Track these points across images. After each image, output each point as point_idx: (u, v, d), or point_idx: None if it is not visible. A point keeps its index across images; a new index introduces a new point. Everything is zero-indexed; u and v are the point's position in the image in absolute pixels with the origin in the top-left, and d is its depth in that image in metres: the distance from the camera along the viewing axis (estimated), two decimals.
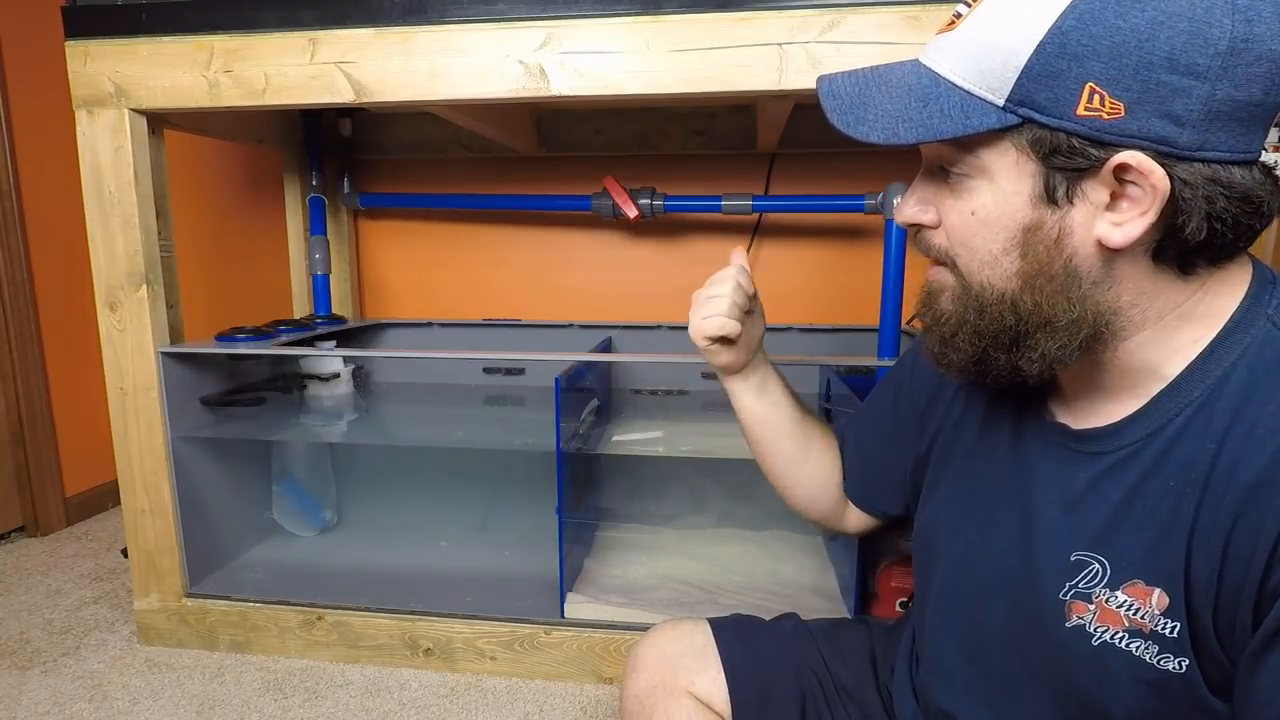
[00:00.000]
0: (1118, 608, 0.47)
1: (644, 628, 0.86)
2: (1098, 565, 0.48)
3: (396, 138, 1.70)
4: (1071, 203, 0.44)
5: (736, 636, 0.72)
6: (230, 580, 1.32)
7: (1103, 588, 0.47)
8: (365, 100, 1.05)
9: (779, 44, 0.96)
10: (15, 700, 1.13)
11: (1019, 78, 0.43)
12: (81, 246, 1.16)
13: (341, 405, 1.51)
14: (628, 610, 1.19)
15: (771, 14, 0.96)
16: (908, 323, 1.40)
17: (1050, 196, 0.44)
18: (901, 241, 1.23)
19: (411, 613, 1.21)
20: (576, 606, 1.20)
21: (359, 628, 1.22)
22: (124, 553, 1.48)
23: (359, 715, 1.10)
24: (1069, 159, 0.43)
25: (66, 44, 1.09)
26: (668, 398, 1.64)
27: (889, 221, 1.24)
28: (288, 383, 1.53)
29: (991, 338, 0.49)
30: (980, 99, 0.44)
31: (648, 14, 0.98)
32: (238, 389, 1.40)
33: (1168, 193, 0.42)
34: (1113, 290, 0.46)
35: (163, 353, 1.18)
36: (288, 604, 1.24)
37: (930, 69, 0.47)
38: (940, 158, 0.49)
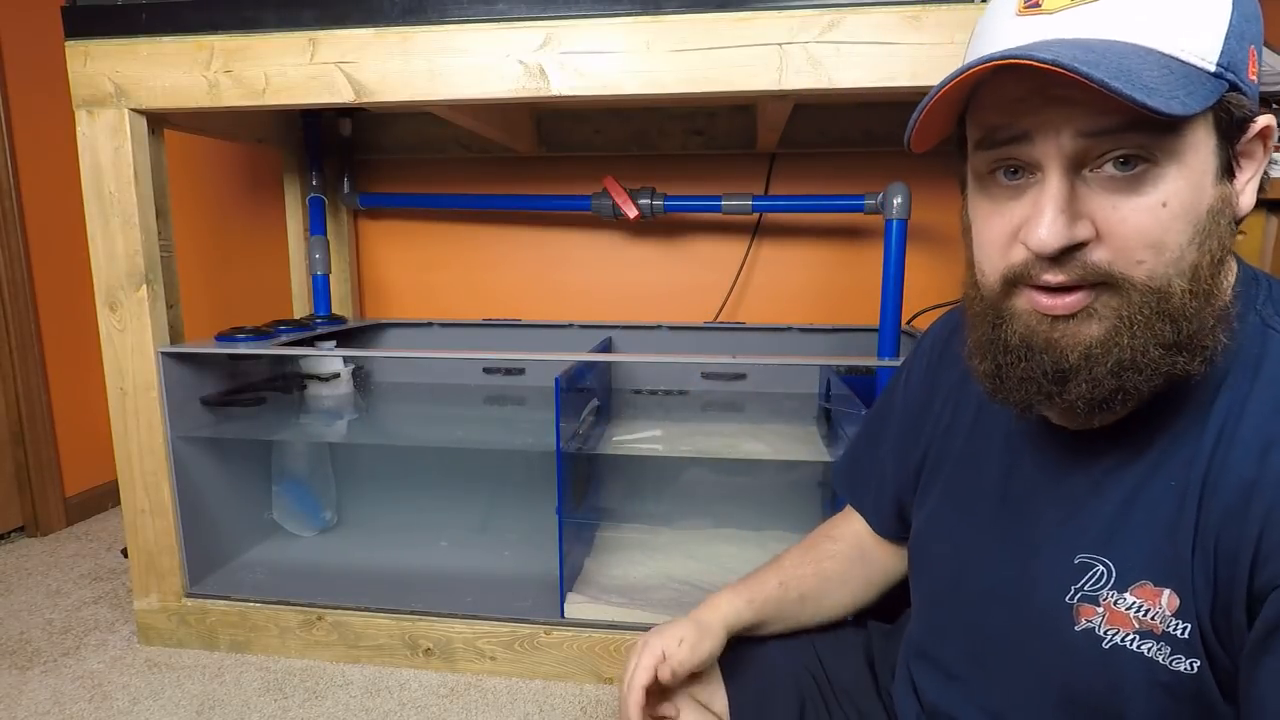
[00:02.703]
0: (1127, 609, 0.46)
1: (644, 628, 0.86)
2: (1103, 567, 0.47)
3: (396, 138, 1.70)
4: (1235, 175, 0.43)
5: (736, 639, 0.72)
6: (230, 580, 1.32)
7: (1110, 590, 0.47)
8: (365, 100, 1.05)
9: (779, 44, 0.96)
10: (15, 700, 1.13)
11: (1226, 38, 0.40)
12: (81, 246, 1.16)
13: (341, 405, 1.51)
14: (628, 610, 1.19)
15: (771, 14, 0.95)
16: (908, 322, 1.40)
17: (1229, 169, 0.42)
18: (902, 241, 1.23)
19: (411, 613, 1.21)
20: (576, 606, 1.20)
21: (359, 628, 1.22)
22: (124, 553, 1.48)
23: (359, 715, 1.10)
24: (1242, 128, 0.42)
25: (66, 44, 1.09)
26: (668, 398, 1.64)
27: (889, 221, 1.23)
28: (288, 383, 1.53)
29: (1182, 345, 0.42)
30: (1194, 66, 0.40)
31: (648, 14, 0.98)
32: (238, 389, 1.40)
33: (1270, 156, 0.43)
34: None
35: (163, 353, 1.18)
36: (288, 604, 1.24)
37: (1120, 40, 0.40)
38: (1108, 149, 0.41)
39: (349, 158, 1.72)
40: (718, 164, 1.67)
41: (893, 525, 0.71)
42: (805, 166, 1.64)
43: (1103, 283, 0.42)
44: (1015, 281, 0.45)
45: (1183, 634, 0.44)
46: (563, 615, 1.19)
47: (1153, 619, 0.45)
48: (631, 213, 1.55)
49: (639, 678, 0.61)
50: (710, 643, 0.64)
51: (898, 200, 1.23)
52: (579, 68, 1.01)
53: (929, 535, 0.63)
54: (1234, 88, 0.40)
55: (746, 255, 1.70)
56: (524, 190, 1.74)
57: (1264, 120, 0.42)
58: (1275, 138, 0.43)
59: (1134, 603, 0.46)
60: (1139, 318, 0.42)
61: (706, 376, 1.64)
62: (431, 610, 1.21)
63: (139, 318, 1.16)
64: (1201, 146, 0.41)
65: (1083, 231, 0.42)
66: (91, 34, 1.09)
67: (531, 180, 1.74)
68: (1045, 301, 0.44)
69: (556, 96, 1.02)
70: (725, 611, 0.66)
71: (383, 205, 1.77)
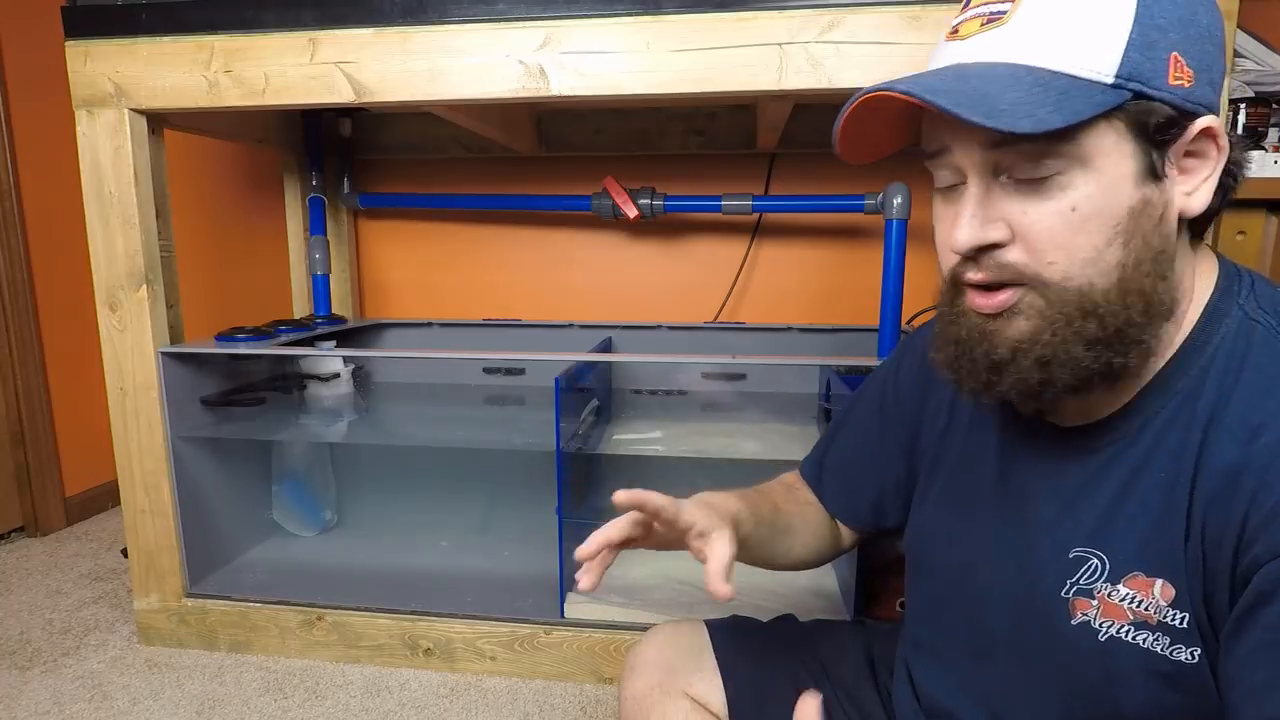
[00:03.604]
0: (1120, 601, 0.47)
1: (644, 628, 0.86)
2: (1097, 560, 0.48)
3: (396, 138, 1.70)
4: (1165, 176, 0.45)
5: (733, 638, 0.72)
6: (230, 580, 1.32)
7: (1104, 582, 0.47)
8: (365, 100, 1.05)
9: (779, 44, 0.96)
10: (15, 700, 1.13)
11: (1125, 51, 0.42)
12: (81, 246, 1.16)
13: (341, 405, 1.50)
14: (628, 610, 1.19)
15: (771, 14, 0.96)
16: (908, 322, 1.40)
17: (1153, 172, 0.44)
18: (902, 241, 1.23)
19: (411, 613, 1.21)
20: (576, 606, 1.20)
21: (359, 628, 1.22)
22: (124, 553, 1.48)
23: (359, 715, 1.10)
24: (1168, 130, 0.43)
25: (66, 44, 1.09)
26: (668, 398, 1.64)
27: (889, 221, 1.24)
28: (288, 383, 1.53)
29: (1107, 341, 0.45)
30: (1086, 80, 0.42)
31: (648, 14, 0.98)
32: (238, 389, 1.40)
33: (1227, 155, 0.45)
34: (1176, 267, 0.47)
35: (163, 353, 1.18)
36: (288, 604, 1.24)
37: (1007, 63, 0.44)
38: (1013, 160, 0.44)
39: (349, 158, 1.72)
40: (718, 164, 1.67)
41: (864, 517, 0.73)
42: (805, 166, 1.64)
43: (1025, 283, 0.45)
44: (955, 281, 0.49)
45: (1181, 624, 0.45)
46: (563, 615, 1.19)
47: (1146, 609, 0.46)
48: (631, 213, 1.55)
49: (615, 527, 0.63)
50: (719, 514, 0.62)
51: (898, 200, 1.23)
52: (579, 68, 1.01)
53: (928, 535, 0.63)
54: (1141, 96, 0.42)
55: (746, 255, 1.70)
56: (524, 190, 1.74)
57: (1203, 122, 0.44)
58: (1225, 136, 0.44)
59: (1127, 594, 0.46)
60: (1059, 316, 0.45)
61: (706, 376, 1.63)
62: (431, 610, 1.21)
63: (139, 318, 1.16)
64: (1112, 151, 0.43)
65: (995, 233, 0.45)
66: (91, 34, 1.09)
67: (531, 180, 1.74)
68: (978, 300, 0.47)
69: (556, 96, 1.02)
70: (733, 507, 0.65)
71: (383, 205, 1.77)
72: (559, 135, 1.65)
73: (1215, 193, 0.45)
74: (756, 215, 1.65)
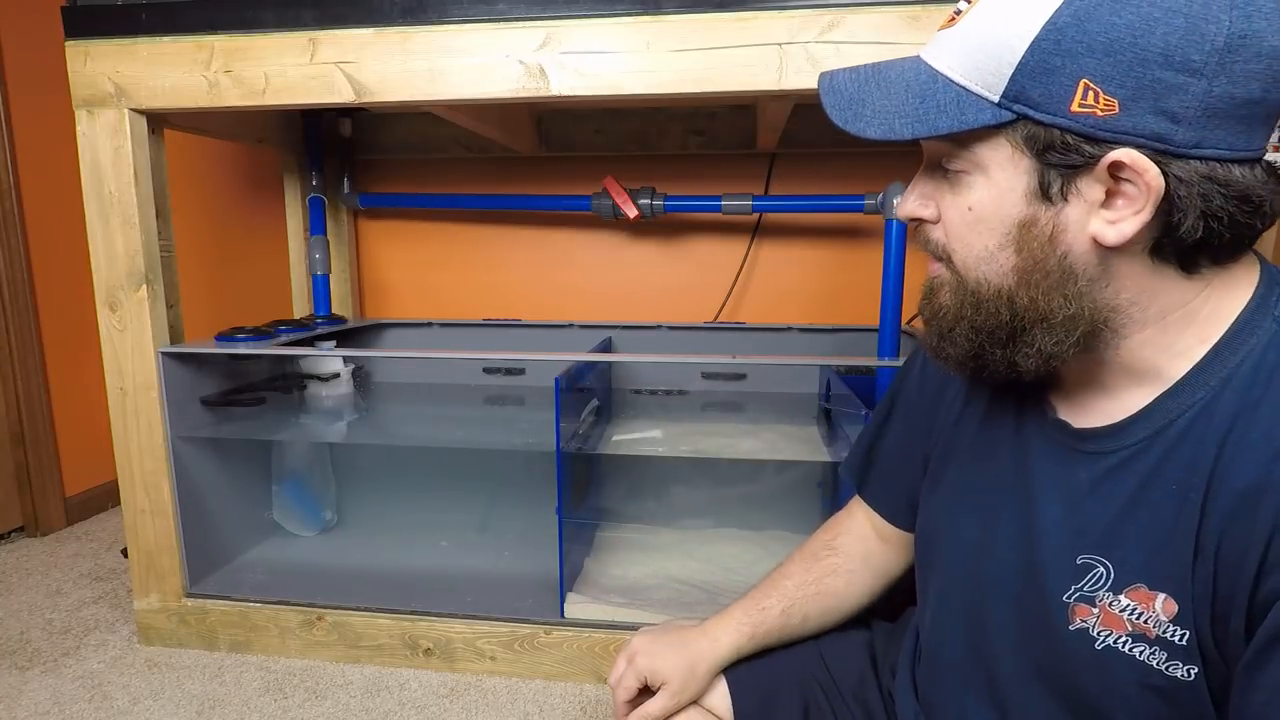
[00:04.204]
0: (1120, 612, 0.46)
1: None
2: (1102, 568, 0.47)
3: (396, 138, 1.70)
4: (1066, 199, 0.44)
5: None
6: (230, 580, 1.32)
7: (1106, 591, 0.47)
8: (365, 100, 1.05)
9: (779, 44, 0.96)
10: (15, 700, 1.13)
11: (1013, 74, 0.43)
12: (81, 246, 1.16)
13: (341, 405, 1.51)
14: (628, 610, 1.19)
15: (771, 14, 0.96)
16: (908, 322, 1.40)
17: (1045, 193, 0.44)
18: (902, 241, 1.23)
19: (411, 613, 1.21)
20: (576, 606, 1.20)
21: (359, 628, 1.22)
22: (124, 553, 1.48)
23: (359, 715, 1.10)
24: (1063, 155, 0.43)
25: (66, 44, 1.09)
26: (668, 398, 1.64)
27: (889, 221, 1.24)
28: (288, 383, 1.53)
29: (988, 333, 0.49)
30: (976, 95, 0.44)
31: (648, 14, 0.98)
32: (238, 389, 1.40)
33: (1162, 191, 0.41)
34: (1110, 288, 0.46)
35: (163, 353, 1.18)
36: (288, 604, 1.24)
37: (929, 65, 0.47)
38: (939, 154, 0.49)
39: (349, 158, 1.72)
40: (718, 164, 1.67)
41: (904, 515, 0.72)
42: (805, 166, 1.64)
43: (946, 259, 0.51)
44: None
45: (1181, 640, 0.44)
46: (562, 615, 1.19)
47: (1145, 622, 0.45)
48: (631, 213, 1.55)
49: (621, 695, 0.68)
50: (692, 692, 0.67)
51: (898, 198, 1.23)
52: (579, 68, 1.01)
53: (936, 524, 0.63)
54: (1025, 118, 0.43)
55: (746, 255, 1.70)
56: (524, 190, 1.74)
57: (1116, 155, 0.41)
58: (1151, 172, 0.41)
59: (1128, 605, 0.46)
60: (956, 298, 0.50)
61: (706, 376, 1.64)
62: (431, 610, 1.21)
63: (139, 318, 1.16)
64: (1006, 164, 0.45)
65: (923, 210, 0.51)
66: (91, 34, 1.09)
67: (531, 180, 1.74)
68: (928, 262, 0.54)
69: (556, 96, 1.02)
70: (723, 649, 0.68)
71: (383, 205, 1.77)
72: (559, 135, 1.65)
73: (1200, 222, 0.42)
74: (756, 215, 1.65)
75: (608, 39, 0.99)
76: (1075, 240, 0.45)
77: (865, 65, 0.51)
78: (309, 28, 1.05)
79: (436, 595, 1.25)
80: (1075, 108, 0.42)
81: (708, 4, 0.97)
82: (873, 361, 1.23)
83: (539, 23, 1.01)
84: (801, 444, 1.31)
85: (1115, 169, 0.42)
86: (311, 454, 1.53)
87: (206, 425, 1.30)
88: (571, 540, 1.27)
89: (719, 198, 1.54)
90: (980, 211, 0.47)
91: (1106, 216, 0.44)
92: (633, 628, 1.16)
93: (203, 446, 1.30)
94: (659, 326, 1.67)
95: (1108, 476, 0.48)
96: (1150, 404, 0.47)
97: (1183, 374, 0.46)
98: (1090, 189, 0.43)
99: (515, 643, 1.18)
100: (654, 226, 1.71)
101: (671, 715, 0.66)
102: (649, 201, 1.55)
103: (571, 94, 1.02)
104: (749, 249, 1.69)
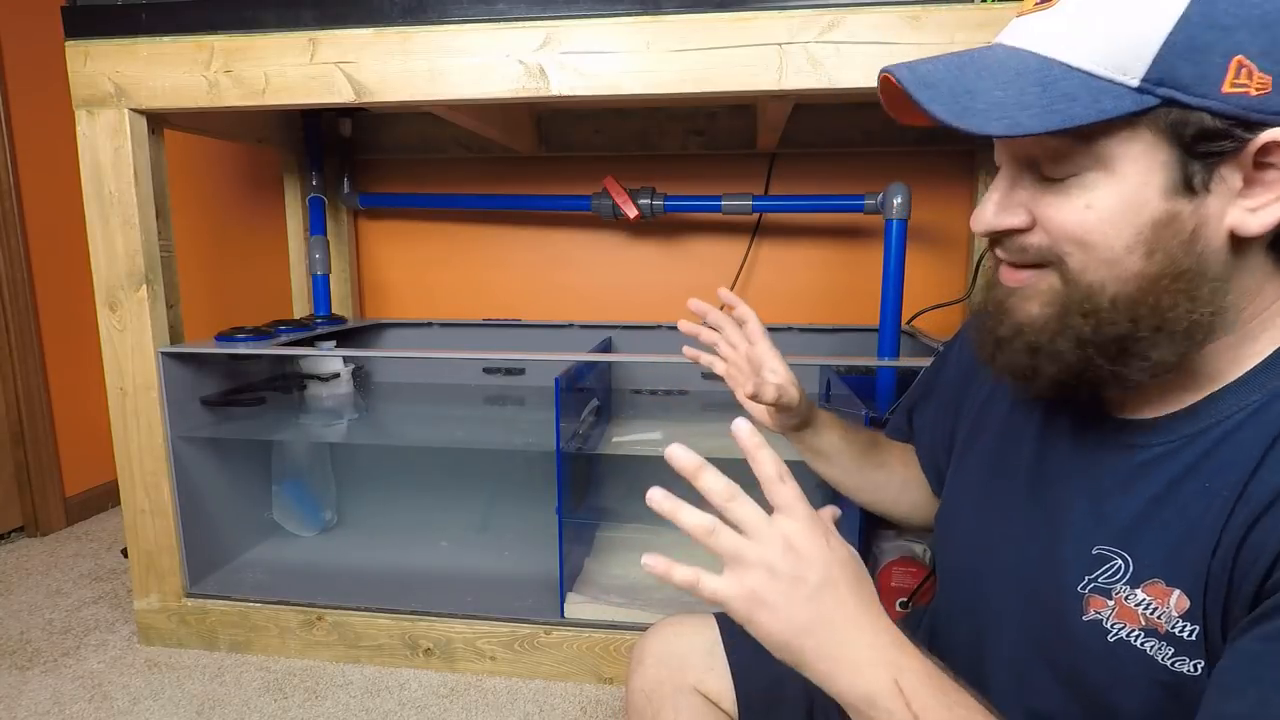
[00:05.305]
0: (1136, 606, 0.46)
1: (644, 628, 0.86)
2: (1120, 561, 0.47)
3: (396, 138, 1.70)
4: (1209, 190, 0.41)
5: (745, 635, 0.72)
6: (230, 580, 1.32)
7: (1124, 584, 0.46)
8: (365, 100, 1.05)
9: (779, 44, 0.96)
10: (15, 700, 1.13)
11: (1158, 54, 0.39)
12: (81, 246, 1.17)
13: (341, 405, 1.50)
14: (628, 610, 1.19)
15: (771, 14, 0.96)
16: (908, 322, 1.40)
17: (1188, 185, 0.41)
18: (902, 241, 1.23)
19: (411, 613, 1.21)
20: (576, 606, 1.20)
21: (359, 628, 1.22)
22: (124, 553, 1.48)
23: (359, 715, 1.10)
24: (1213, 142, 0.39)
25: (66, 44, 1.09)
26: (668, 398, 1.64)
27: (889, 221, 1.24)
28: (288, 383, 1.53)
29: (1098, 345, 0.44)
30: (1108, 81, 0.40)
31: (648, 14, 0.98)
32: (238, 389, 1.40)
33: None
34: (1226, 288, 0.43)
35: (163, 353, 1.18)
36: (288, 604, 1.24)
37: (1034, 52, 0.42)
38: (1039, 153, 0.43)
39: (349, 158, 1.72)
40: (718, 164, 1.67)
41: (933, 478, 0.75)
42: (805, 166, 1.64)
43: (1049, 263, 0.45)
44: (995, 253, 0.50)
45: (1190, 636, 0.44)
46: (563, 615, 1.19)
47: (1158, 618, 0.45)
48: (631, 213, 1.55)
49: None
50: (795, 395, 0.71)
51: (898, 200, 1.23)
52: (579, 68, 1.01)
53: (956, 506, 0.63)
54: (1173, 103, 0.39)
55: (746, 255, 1.70)
56: (524, 190, 1.74)
57: (1269, 135, 0.39)
58: None
59: (1144, 600, 0.45)
60: (1058, 308, 0.45)
61: (706, 376, 1.63)
62: (431, 610, 1.21)
63: (139, 318, 1.16)
64: (1140, 158, 0.41)
65: (1011, 219, 0.46)
66: (91, 34, 1.09)
67: (531, 180, 1.74)
68: (1005, 274, 0.49)
69: (556, 96, 1.02)
70: (824, 416, 0.76)
71: (383, 205, 1.77)
72: (559, 135, 1.65)
73: None
74: (756, 215, 1.65)
75: (608, 39, 0.99)
76: (1213, 236, 0.42)
77: (946, 55, 0.45)
78: (309, 28, 1.05)
79: (436, 595, 1.25)
80: (1228, 88, 0.38)
81: (708, 4, 0.97)
82: (873, 362, 1.23)
83: (539, 23, 1.01)
84: None
85: (1264, 152, 0.39)
86: (311, 454, 1.53)
87: (206, 425, 1.30)
88: (571, 540, 1.27)
89: (719, 198, 1.54)
90: (1104, 211, 0.42)
91: (1247, 205, 0.41)
92: (633, 628, 1.16)
93: (203, 446, 1.30)
94: (659, 326, 1.67)
95: (1139, 471, 0.47)
96: (1201, 401, 0.46)
97: (1240, 375, 0.45)
98: (1232, 176, 0.41)
99: (515, 643, 1.18)
100: (654, 226, 1.71)
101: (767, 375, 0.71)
102: (649, 201, 1.55)
103: (571, 94, 1.02)
104: (749, 249, 1.69)
